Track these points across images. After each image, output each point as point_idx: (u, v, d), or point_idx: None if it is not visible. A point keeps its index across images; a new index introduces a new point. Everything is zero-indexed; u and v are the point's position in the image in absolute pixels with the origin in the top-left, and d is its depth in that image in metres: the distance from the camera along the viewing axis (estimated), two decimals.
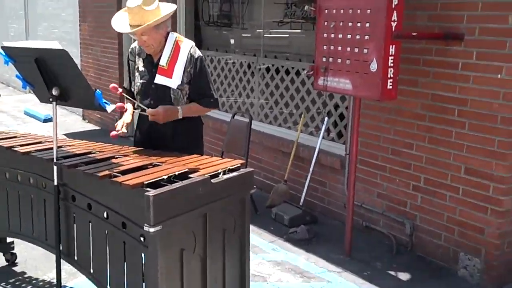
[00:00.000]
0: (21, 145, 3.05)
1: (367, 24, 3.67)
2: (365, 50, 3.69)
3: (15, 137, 3.34)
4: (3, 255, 3.75)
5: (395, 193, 4.22)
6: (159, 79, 3.09)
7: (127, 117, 3.10)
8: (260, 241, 4.34)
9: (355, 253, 4.09)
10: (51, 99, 2.66)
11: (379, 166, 4.33)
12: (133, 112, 3.19)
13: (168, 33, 3.13)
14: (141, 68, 3.19)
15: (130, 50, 3.29)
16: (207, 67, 3.24)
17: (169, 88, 3.08)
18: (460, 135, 3.71)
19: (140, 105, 3.10)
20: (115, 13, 3.15)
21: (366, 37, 3.69)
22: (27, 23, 12.13)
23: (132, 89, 3.26)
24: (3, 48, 2.72)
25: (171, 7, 3.08)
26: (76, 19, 9.32)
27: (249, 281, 2.81)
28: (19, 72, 2.82)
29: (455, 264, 3.79)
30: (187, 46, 3.13)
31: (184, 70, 3.09)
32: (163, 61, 3.09)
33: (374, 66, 3.64)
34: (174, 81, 3.08)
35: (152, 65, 3.14)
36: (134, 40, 3.22)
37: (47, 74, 2.61)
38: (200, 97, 3.16)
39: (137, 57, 3.23)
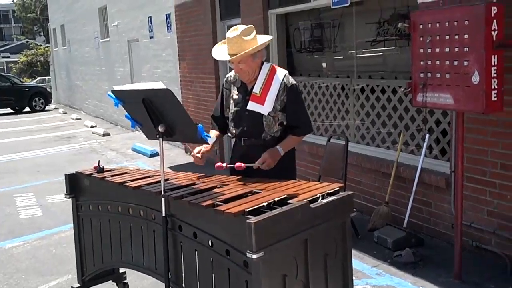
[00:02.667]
0: (131, 180, 3.24)
1: (466, 36, 3.54)
2: (465, 62, 3.55)
3: (125, 173, 3.56)
4: (116, 285, 3.96)
5: (507, 210, 3.94)
6: (252, 106, 3.19)
7: (204, 148, 3.25)
8: (363, 265, 4.23)
9: (465, 275, 3.86)
10: (157, 136, 2.82)
11: (488, 182, 4.07)
12: (214, 144, 3.32)
13: (263, 62, 3.24)
14: (235, 96, 3.31)
15: (225, 79, 3.43)
16: (301, 94, 3.30)
17: (261, 114, 3.18)
18: None
19: (248, 165, 3.13)
20: (211, 50, 3.33)
21: (466, 49, 3.55)
22: (132, 65, 13.05)
23: (226, 115, 3.39)
24: (113, 91, 2.94)
25: (267, 37, 3.21)
26: (176, 59, 9.87)
27: None
28: (128, 113, 3.01)
29: None
30: (281, 75, 3.21)
31: (277, 98, 3.17)
32: (256, 89, 3.19)
33: (476, 78, 3.49)
34: (265, 108, 3.16)
35: (246, 93, 3.26)
36: (231, 69, 3.38)
37: (153, 113, 2.77)
38: (296, 124, 3.22)
39: (232, 85, 3.36)
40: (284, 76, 3.21)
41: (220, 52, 3.23)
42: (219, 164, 3.14)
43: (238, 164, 3.01)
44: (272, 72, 3.21)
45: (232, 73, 3.39)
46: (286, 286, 2.34)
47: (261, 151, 3.18)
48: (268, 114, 3.17)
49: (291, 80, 3.22)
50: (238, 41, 3.06)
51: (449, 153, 4.51)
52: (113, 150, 10.68)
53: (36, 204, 6.78)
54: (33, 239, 5.41)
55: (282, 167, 3.21)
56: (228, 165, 3.17)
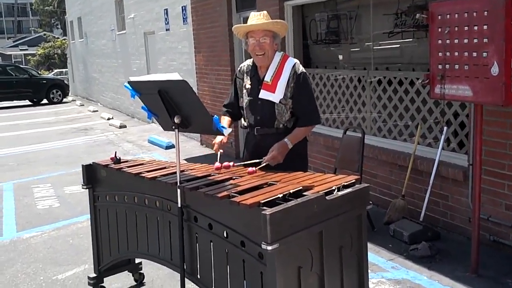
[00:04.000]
0: (147, 171, 3.26)
1: (485, 27, 3.48)
2: (485, 54, 3.50)
3: (142, 164, 3.58)
4: (132, 275, 4.01)
5: None
6: (263, 94, 3.24)
7: (223, 137, 3.27)
8: (379, 259, 4.21)
9: (482, 270, 3.82)
10: (173, 127, 2.83)
11: (506, 175, 4.02)
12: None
13: (275, 52, 3.28)
14: (248, 86, 3.36)
15: (238, 69, 3.51)
16: (309, 83, 3.33)
17: (273, 103, 3.22)
18: None
19: (256, 161, 3.15)
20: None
21: (485, 40, 3.49)
22: (148, 58, 13.08)
23: (240, 104, 3.45)
24: (130, 82, 2.95)
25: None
26: (192, 51, 9.87)
27: None
28: (144, 104, 3.03)
29: None
30: (291, 63, 3.26)
31: (287, 85, 3.21)
32: (267, 77, 3.24)
33: (495, 70, 3.43)
34: (276, 96, 3.20)
35: (258, 82, 3.31)
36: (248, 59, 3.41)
37: (169, 104, 2.78)
38: (301, 113, 3.25)
39: (245, 75, 3.42)
40: (295, 64, 3.26)
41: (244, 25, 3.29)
42: (226, 163, 3.10)
43: (250, 169, 2.98)
44: (283, 61, 3.26)
45: (246, 63, 3.46)
46: (301, 278, 2.34)
47: (274, 140, 3.21)
48: (280, 102, 3.21)
49: (301, 68, 3.27)
50: (265, 17, 3.20)
51: (467, 146, 4.46)
52: (129, 142, 10.74)
53: (54, 195, 6.86)
54: (50, 229, 5.48)
55: (294, 157, 3.22)
56: (236, 164, 3.14)
